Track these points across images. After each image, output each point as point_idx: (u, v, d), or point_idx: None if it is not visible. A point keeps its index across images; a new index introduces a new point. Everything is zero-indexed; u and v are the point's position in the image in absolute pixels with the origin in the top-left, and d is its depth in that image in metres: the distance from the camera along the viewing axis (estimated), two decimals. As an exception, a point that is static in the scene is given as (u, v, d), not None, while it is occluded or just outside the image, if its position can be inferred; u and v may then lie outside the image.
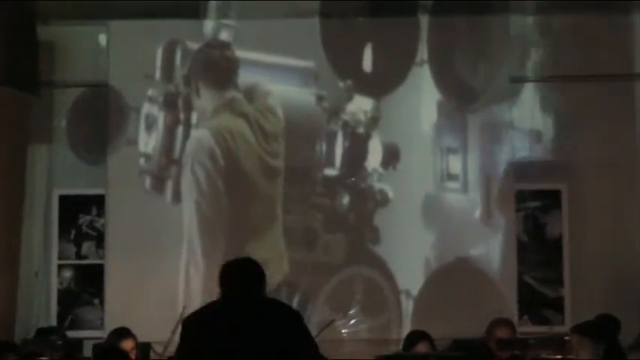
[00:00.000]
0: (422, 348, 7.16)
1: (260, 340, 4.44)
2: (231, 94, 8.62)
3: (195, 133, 8.58)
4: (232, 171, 8.53)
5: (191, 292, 8.40)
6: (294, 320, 4.59)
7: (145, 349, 7.86)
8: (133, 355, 7.22)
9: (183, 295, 8.38)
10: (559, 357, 6.44)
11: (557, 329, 8.03)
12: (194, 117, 8.63)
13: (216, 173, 8.53)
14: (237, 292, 4.64)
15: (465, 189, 8.48)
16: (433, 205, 8.53)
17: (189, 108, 8.62)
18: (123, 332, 7.38)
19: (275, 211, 8.52)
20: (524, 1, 8.80)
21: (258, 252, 7.85)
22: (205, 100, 8.61)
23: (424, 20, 8.67)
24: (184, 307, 7.53)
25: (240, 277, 4.68)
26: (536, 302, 8.59)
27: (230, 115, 8.58)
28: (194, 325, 4.59)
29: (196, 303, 8.27)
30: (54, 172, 8.82)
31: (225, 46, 8.68)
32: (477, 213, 8.43)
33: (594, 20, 8.70)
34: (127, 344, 7.22)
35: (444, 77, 8.64)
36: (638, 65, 8.80)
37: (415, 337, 7.27)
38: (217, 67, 8.67)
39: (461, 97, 8.62)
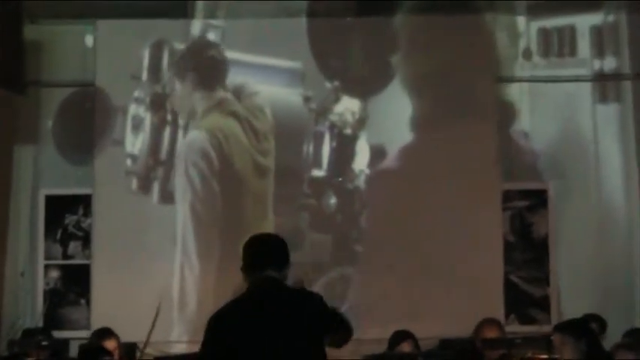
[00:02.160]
0: (406, 348, 7.22)
1: (287, 336, 4.44)
2: (221, 94, 8.61)
3: (187, 134, 8.56)
4: (226, 171, 8.52)
5: (186, 293, 8.39)
6: (318, 308, 4.58)
7: (131, 349, 7.85)
8: (116, 355, 7.23)
9: (177, 295, 8.36)
10: (545, 356, 6.45)
11: (544, 328, 8.03)
12: (181, 118, 8.62)
13: (211, 174, 8.52)
14: (261, 284, 4.58)
15: (452, 188, 8.47)
16: (420, 205, 8.53)
17: (176, 109, 8.61)
18: (105, 332, 7.41)
19: (266, 211, 8.52)
20: (514, 0, 8.83)
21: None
22: (195, 100, 8.60)
23: (410, 20, 8.68)
24: (160, 304, 7.52)
25: (263, 261, 4.61)
26: (522, 301, 8.58)
27: (221, 114, 8.58)
28: (219, 322, 4.52)
29: (192, 303, 8.31)
30: (40, 171, 8.78)
31: (213, 46, 8.68)
32: (465, 212, 8.42)
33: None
34: (110, 344, 7.23)
35: (429, 77, 8.65)
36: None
37: (399, 337, 7.29)
38: (207, 68, 8.66)
39: (446, 97, 8.62)
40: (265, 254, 4.62)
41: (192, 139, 8.55)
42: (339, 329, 4.67)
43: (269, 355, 4.43)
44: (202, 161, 8.50)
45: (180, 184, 8.53)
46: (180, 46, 8.68)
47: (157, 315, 7.35)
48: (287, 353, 4.44)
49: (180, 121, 8.63)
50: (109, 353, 6.75)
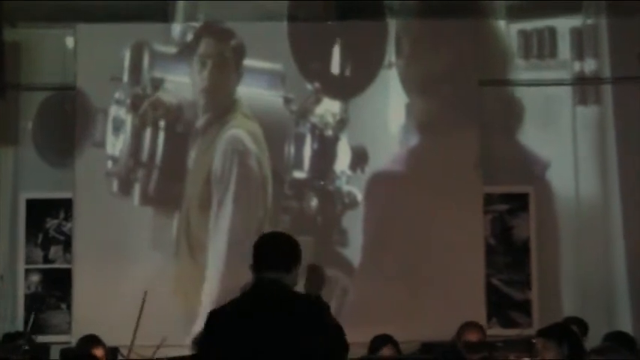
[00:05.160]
0: (386, 352, 7.19)
1: (283, 340, 4.41)
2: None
3: (229, 138, 8.55)
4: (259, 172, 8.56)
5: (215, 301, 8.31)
6: (319, 317, 4.53)
7: (112, 353, 7.83)
8: None
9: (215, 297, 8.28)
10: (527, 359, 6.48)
11: (526, 332, 8.07)
12: (161, 120, 8.60)
13: (259, 179, 8.55)
14: (262, 286, 4.56)
15: (433, 191, 8.49)
16: (401, 208, 8.54)
17: (157, 110, 8.59)
18: (93, 339, 7.37)
19: (265, 214, 8.54)
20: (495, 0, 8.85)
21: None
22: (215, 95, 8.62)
23: (392, 23, 8.70)
24: (146, 293, 7.49)
25: (268, 262, 4.57)
26: (504, 305, 8.62)
27: (244, 115, 8.58)
28: (218, 318, 4.55)
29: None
30: (20, 175, 8.74)
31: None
32: (445, 216, 8.44)
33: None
34: (98, 352, 7.21)
35: (411, 80, 8.66)
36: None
37: (380, 341, 7.27)
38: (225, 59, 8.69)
39: (428, 100, 8.64)
40: (271, 254, 4.58)
41: (238, 140, 8.54)
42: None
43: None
44: (255, 164, 8.51)
45: (231, 189, 8.50)
46: (160, 48, 8.67)
47: (142, 307, 7.38)
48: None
49: (161, 124, 8.61)
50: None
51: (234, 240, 8.42)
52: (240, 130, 8.58)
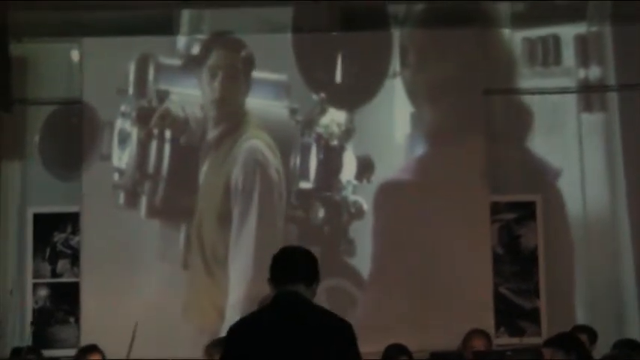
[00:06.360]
0: (401, 362, 7.20)
1: (298, 353, 4.40)
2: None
3: (249, 149, 8.55)
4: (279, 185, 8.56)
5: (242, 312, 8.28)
6: (340, 334, 4.48)
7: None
8: None
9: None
10: (535, 368, 6.48)
11: (532, 340, 8.07)
12: (167, 132, 8.61)
13: (280, 189, 8.55)
14: (286, 298, 4.55)
15: (440, 201, 8.49)
16: (408, 217, 8.54)
17: (164, 120, 8.60)
18: (89, 347, 7.47)
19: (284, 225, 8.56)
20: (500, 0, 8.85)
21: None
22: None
23: (396, 33, 8.71)
24: (136, 324, 7.51)
25: (291, 275, 4.56)
26: (512, 313, 8.59)
27: (256, 126, 8.60)
28: (236, 332, 4.54)
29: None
30: (27, 189, 8.75)
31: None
32: (453, 225, 8.43)
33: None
34: (94, 356, 7.26)
35: (417, 89, 8.67)
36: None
37: (394, 351, 7.27)
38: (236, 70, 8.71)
39: (434, 109, 8.64)
40: (290, 268, 4.58)
41: (257, 150, 8.54)
42: None
43: None
44: (275, 174, 8.53)
45: (254, 202, 8.49)
46: (165, 61, 8.68)
47: (133, 337, 7.40)
48: None
49: (167, 135, 8.62)
50: None
51: (259, 251, 8.39)
52: (257, 141, 8.59)
